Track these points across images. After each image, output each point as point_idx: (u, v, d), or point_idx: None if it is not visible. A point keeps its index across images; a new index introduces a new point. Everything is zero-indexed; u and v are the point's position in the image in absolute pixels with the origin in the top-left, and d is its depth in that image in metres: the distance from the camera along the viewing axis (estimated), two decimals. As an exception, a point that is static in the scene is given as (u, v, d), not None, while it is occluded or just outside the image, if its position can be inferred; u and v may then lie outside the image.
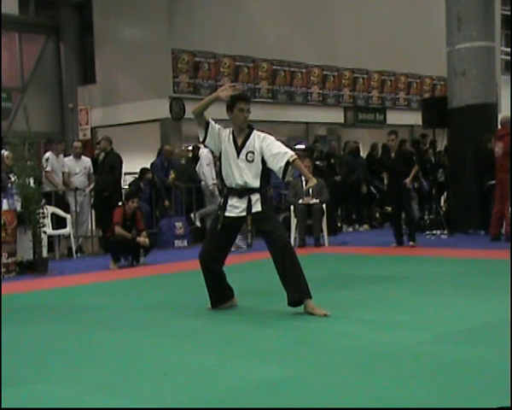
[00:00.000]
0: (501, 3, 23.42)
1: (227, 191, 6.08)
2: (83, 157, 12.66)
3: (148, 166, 13.22)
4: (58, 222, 11.39)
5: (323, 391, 3.78)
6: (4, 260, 9.37)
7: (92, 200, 12.49)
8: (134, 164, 14.19)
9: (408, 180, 10.95)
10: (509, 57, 27.19)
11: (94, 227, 12.64)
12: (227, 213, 6.00)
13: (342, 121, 20.02)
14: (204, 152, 13.26)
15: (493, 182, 11.75)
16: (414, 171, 11.09)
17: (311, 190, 11.43)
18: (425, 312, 5.91)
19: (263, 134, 6.06)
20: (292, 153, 5.95)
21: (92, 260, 11.15)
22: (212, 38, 16.69)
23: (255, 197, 5.96)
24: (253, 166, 5.96)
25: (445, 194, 14.94)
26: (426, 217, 13.77)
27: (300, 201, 11.86)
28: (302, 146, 17.34)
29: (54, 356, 4.85)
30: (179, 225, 12.65)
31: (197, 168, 13.47)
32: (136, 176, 13.14)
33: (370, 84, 20.59)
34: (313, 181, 6.07)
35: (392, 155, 11.17)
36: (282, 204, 14.04)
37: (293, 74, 18.51)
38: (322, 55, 19.08)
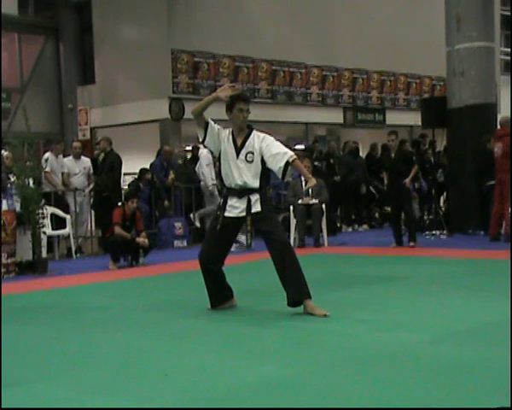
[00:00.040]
0: (500, 4, 23.44)
1: (226, 192, 6.08)
2: (82, 157, 12.66)
3: (148, 166, 13.22)
4: (57, 222, 11.39)
5: (323, 391, 3.78)
6: (4, 260, 9.37)
7: (92, 200, 12.49)
8: (133, 164, 14.19)
9: (407, 180, 10.95)
10: (508, 57, 27.21)
11: (93, 227, 12.63)
12: (226, 214, 6.00)
13: (342, 121, 20.02)
14: (203, 152, 13.26)
15: (492, 182, 11.75)
16: (413, 171, 11.10)
17: (310, 191, 11.44)
18: (424, 312, 5.91)
19: (262, 134, 6.06)
20: (291, 153, 5.95)
21: (92, 261, 11.16)
22: (211, 39, 16.69)
23: (255, 198, 5.96)
24: (253, 166, 5.96)
25: (445, 194, 14.95)
26: (425, 217, 13.77)
27: (300, 201, 11.86)
28: (302, 146, 17.34)
29: (53, 356, 4.85)
30: (179, 226, 12.65)
31: (197, 168, 13.47)
32: (136, 176, 13.14)
33: (370, 84, 20.60)
34: (313, 181, 6.07)
35: (393, 155, 11.18)
36: (281, 204, 14.04)
37: (292, 75, 18.51)
38: (321, 55, 19.09)
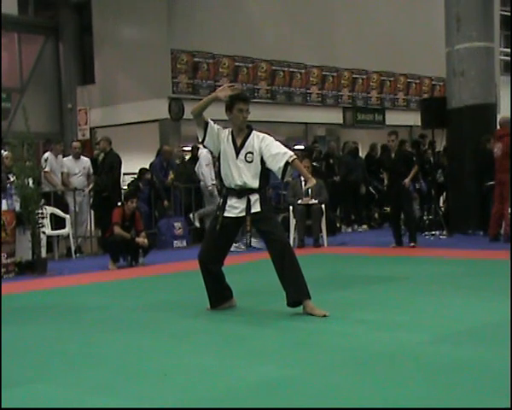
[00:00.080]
0: (500, 4, 23.45)
1: (226, 192, 6.08)
2: (82, 157, 12.65)
3: (147, 166, 13.21)
4: (57, 222, 11.39)
5: (323, 391, 3.78)
6: (3, 260, 9.37)
7: (91, 200, 12.48)
8: (133, 164, 14.18)
9: (407, 180, 10.95)
10: (508, 58, 27.21)
11: (93, 227, 12.63)
12: (226, 214, 6.00)
13: (341, 122, 20.02)
14: (203, 152, 13.25)
15: (492, 182, 11.75)
16: (413, 171, 11.10)
17: (310, 191, 11.45)
18: (424, 312, 5.91)
19: (262, 134, 6.06)
20: (291, 153, 5.94)
21: (91, 261, 11.15)
22: (211, 39, 16.69)
23: (254, 198, 5.96)
24: (252, 166, 5.96)
25: (444, 194, 14.95)
26: (425, 217, 13.78)
27: (299, 201, 11.86)
28: (301, 146, 17.34)
29: (53, 356, 4.85)
30: (178, 226, 12.64)
31: (196, 169, 13.47)
32: (135, 176, 13.13)
33: (369, 84, 20.60)
34: (312, 181, 6.07)
35: (393, 155, 11.18)
36: (281, 204, 14.04)
37: (292, 75, 18.51)
38: (321, 55, 19.09)
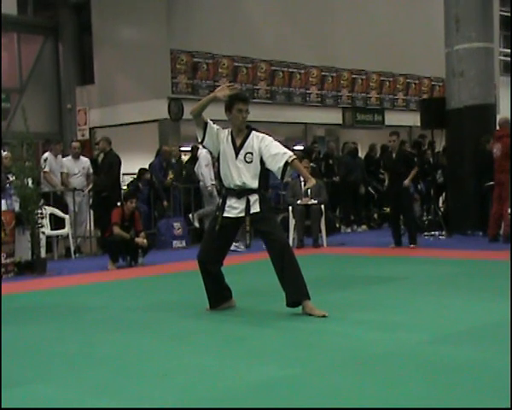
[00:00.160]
0: (499, 4, 23.45)
1: (225, 192, 6.08)
2: (81, 157, 12.65)
3: (147, 166, 13.22)
4: (56, 222, 11.39)
5: (323, 391, 3.78)
6: (3, 260, 9.37)
7: (91, 200, 12.48)
8: (132, 164, 14.18)
9: (407, 181, 10.95)
10: (507, 58, 27.21)
11: (92, 228, 12.62)
12: (225, 214, 6.00)
13: (341, 122, 20.02)
14: (203, 153, 13.25)
15: (491, 183, 11.75)
16: (413, 172, 11.10)
17: (309, 191, 11.45)
18: (424, 312, 5.91)
19: (261, 135, 6.05)
20: (291, 153, 5.94)
21: (90, 261, 11.16)
22: (210, 39, 16.68)
23: (254, 198, 5.96)
24: (252, 166, 5.96)
25: (444, 195, 14.95)
26: (424, 218, 13.78)
27: (299, 201, 11.86)
28: (301, 147, 17.34)
29: (53, 357, 4.85)
30: (177, 226, 12.64)
31: (196, 169, 13.47)
32: (135, 176, 13.13)
33: (369, 84, 20.60)
34: (312, 181, 6.07)
35: (394, 155, 11.18)
36: (280, 205, 14.04)
37: (291, 75, 18.51)
38: (320, 55, 19.08)
